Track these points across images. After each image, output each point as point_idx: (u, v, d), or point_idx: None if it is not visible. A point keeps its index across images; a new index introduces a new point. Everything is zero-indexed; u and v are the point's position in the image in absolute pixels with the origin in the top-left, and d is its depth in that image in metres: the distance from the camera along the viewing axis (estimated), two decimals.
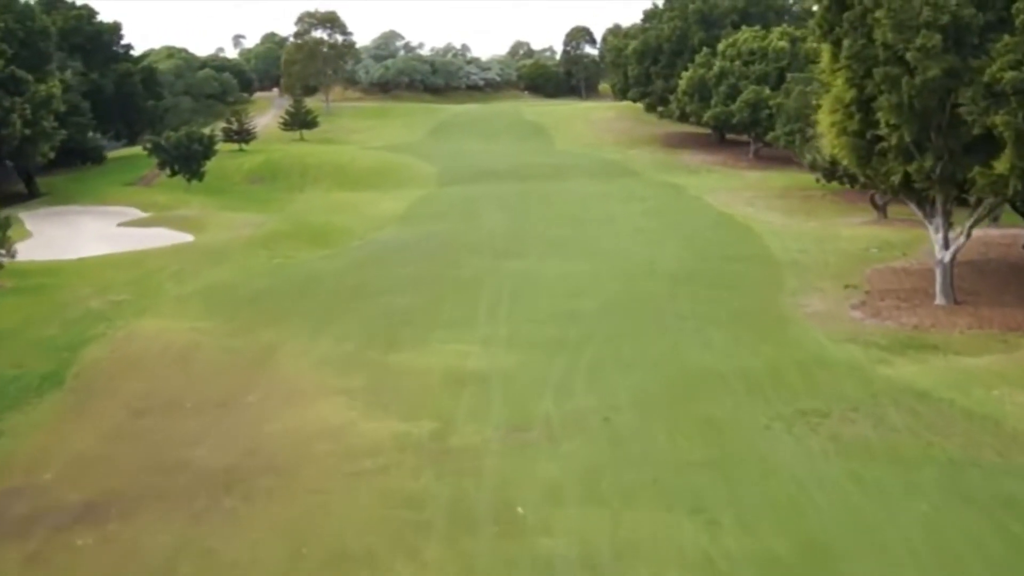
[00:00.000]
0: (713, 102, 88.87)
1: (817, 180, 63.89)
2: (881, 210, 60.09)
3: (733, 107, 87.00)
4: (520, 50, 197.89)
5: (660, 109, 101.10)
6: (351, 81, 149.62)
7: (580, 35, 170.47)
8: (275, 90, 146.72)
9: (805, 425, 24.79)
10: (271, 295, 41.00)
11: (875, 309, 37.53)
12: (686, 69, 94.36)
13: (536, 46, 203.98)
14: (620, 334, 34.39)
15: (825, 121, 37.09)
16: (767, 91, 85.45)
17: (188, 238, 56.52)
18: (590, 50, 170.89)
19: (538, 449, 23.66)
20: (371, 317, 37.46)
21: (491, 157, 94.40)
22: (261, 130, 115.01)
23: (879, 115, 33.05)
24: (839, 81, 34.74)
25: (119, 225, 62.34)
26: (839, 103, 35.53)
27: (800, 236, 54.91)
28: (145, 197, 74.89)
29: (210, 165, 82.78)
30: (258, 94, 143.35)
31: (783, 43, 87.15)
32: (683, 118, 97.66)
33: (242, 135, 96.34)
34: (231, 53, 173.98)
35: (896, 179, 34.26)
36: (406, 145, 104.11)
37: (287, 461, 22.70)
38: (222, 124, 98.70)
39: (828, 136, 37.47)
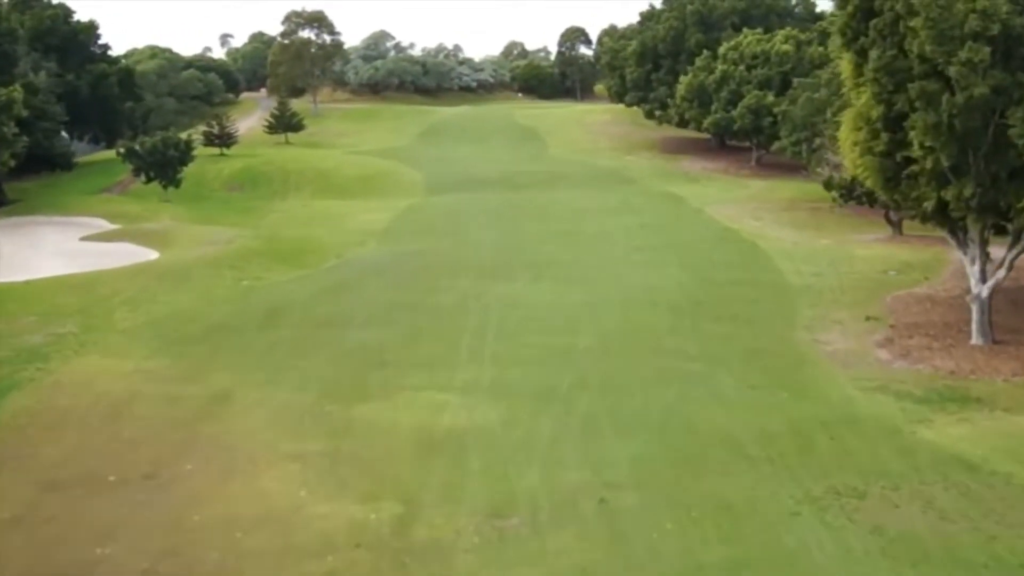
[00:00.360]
0: (714, 108, 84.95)
1: (834, 200, 59.66)
2: (896, 226, 56.17)
3: (735, 113, 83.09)
4: (514, 50, 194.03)
5: (659, 114, 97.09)
6: (340, 82, 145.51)
7: (575, 35, 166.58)
8: (263, 91, 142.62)
9: (840, 510, 20.80)
10: (231, 328, 36.91)
11: (904, 348, 33.56)
12: (685, 73, 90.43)
13: (530, 46, 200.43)
14: (618, 381, 30.38)
15: (847, 139, 33.08)
16: (770, 97, 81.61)
17: (152, 255, 52.38)
18: (585, 51, 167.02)
19: (521, 545, 19.65)
20: (339, 356, 33.41)
21: (481, 163, 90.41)
22: (246, 133, 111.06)
23: (911, 135, 29.03)
24: (864, 96, 30.74)
25: (82, 239, 58.18)
26: (863, 120, 31.56)
27: (812, 256, 50.97)
28: (116, 207, 70.73)
29: (189, 171, 78.87)
30: (245, 95, 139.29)
31: (787, 47, 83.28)
32: (682, 124, 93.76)
33: (223, 139, 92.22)
34: (218, 53, 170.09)
35: (929, 206, 30.30)
36: (394, 150, 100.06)
37: (214, 566, 18.63)
38: (203, 128, 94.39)
39: (849, 155, 33.45)
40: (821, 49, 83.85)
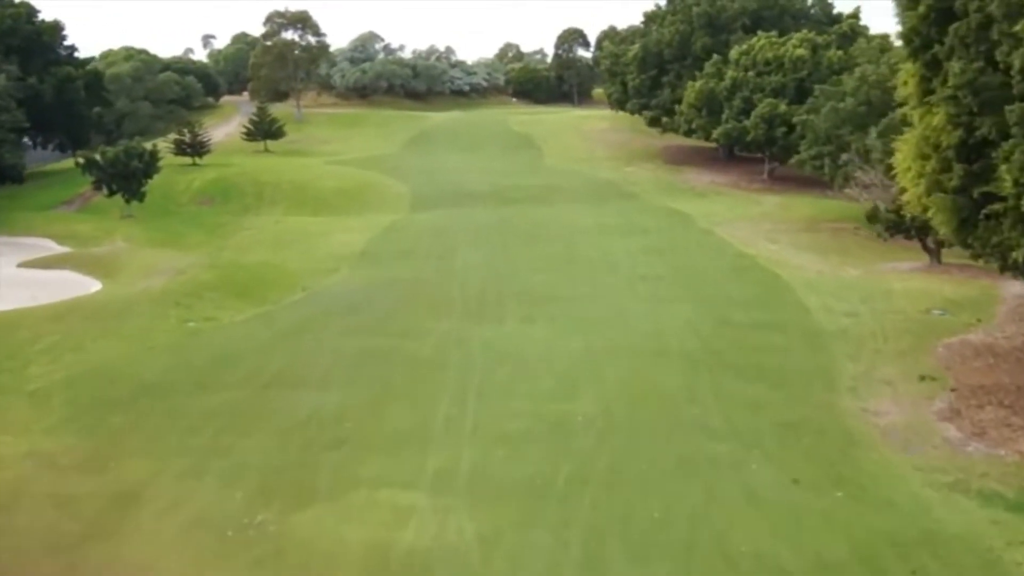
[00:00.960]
0: (724, 117, 78.97)
1: (879, 235, 53.54)
2: (934, 254, 50.16)
3: (747, 123, 77.17)
4: (509, 53, 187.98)
5: (664, 122, 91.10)
6: (326, 86, 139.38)
7: (573, 37, 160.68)
8: (245, 95, 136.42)
9: None
10: (162, 389, 30.77)
11: (976, 424, 27.52)
12: (692, 79, 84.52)
13: (526, 48, 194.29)
14: (628, 473, 24.33)
15: (907, 169, 27.08)
16: (784, 105, 75.76)
17: (94, 286, 46.30)
18: (583, 53, 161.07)
19: None
20: (287, 430, 27.32)
21: (472, 174, 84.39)
22: (224, 139, 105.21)
23: (1000, 169, 22.99)
24: (936, 118, 24.67)
25: (20, 266, 51.92)
26: (931, 147, 25.53)
27: (842, 290, 45.00)
28: (68, 225, 64.61)
29: (156, 182, 73.09)
30: (226, 99, 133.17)
31: (802, 51, 77.36)
32: (689, 133, 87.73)
33: (195, 148, 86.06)
34: (200, 54, 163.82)
35: (1019, 255, 24.23)
36: (379, 158, 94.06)
37: None
38: (173, 135, 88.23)
39: (912, 189, 27.40)
40: (840, 53, 78.18)
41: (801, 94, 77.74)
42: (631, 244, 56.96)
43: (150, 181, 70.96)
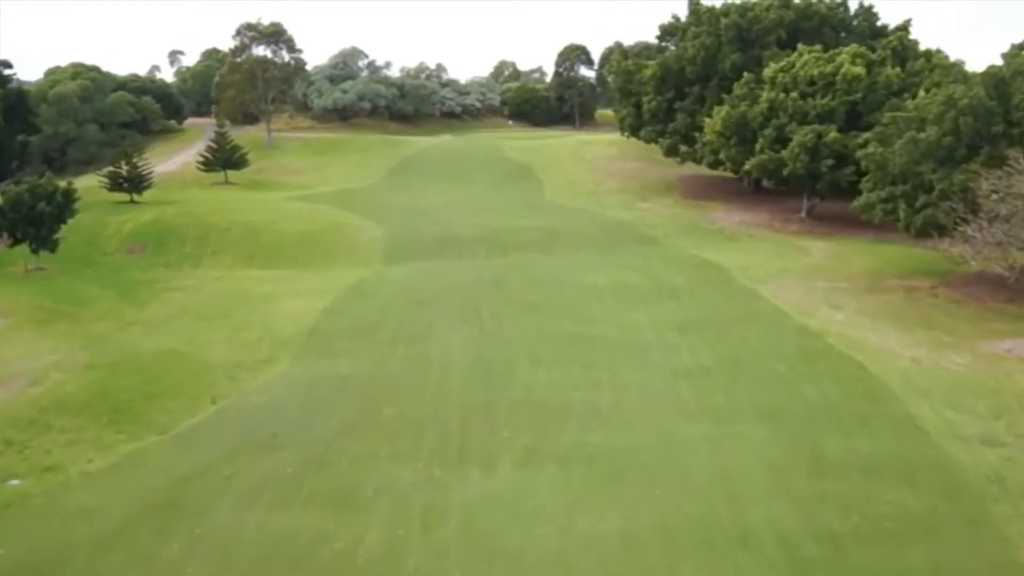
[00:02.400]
0: (758, 146, 66.20)
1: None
2: None
3: (785, 153, 64.45)
4: (505, 71, 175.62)
5: (683, 150, 78.36)
6: (303, 107, 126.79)
7: (575, 54, 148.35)
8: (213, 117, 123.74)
9: None
10: None
11: None
12: (719, 101, 71.90)
13: (523, 66, 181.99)
14: None
15: None
16: (833, 132, 63.12)
17: None
18: (586, 72, 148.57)
19: None
20: None
21: (460, 213, 71.54)
22: (179, 168, 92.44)
23: None
24: None
25: None
26: None
27: (958, 392, 32.70)
28: None
29: (84, 224, 60.77)
30: (192, 122, 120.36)
31: (858, 68, 64.62)
32: (715, 165, 75.02)
33: (133, 183, 73.06)
34: (167, 72, 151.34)
35: None
36: (354, 193, 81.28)
37: None
38: (108, 168, 75.25)
39: None
40: (898, 71, 65.69)
41: (854, 119, 65.26)
42: (660, 315, 44.07)
43: (67, 225, 58.18)
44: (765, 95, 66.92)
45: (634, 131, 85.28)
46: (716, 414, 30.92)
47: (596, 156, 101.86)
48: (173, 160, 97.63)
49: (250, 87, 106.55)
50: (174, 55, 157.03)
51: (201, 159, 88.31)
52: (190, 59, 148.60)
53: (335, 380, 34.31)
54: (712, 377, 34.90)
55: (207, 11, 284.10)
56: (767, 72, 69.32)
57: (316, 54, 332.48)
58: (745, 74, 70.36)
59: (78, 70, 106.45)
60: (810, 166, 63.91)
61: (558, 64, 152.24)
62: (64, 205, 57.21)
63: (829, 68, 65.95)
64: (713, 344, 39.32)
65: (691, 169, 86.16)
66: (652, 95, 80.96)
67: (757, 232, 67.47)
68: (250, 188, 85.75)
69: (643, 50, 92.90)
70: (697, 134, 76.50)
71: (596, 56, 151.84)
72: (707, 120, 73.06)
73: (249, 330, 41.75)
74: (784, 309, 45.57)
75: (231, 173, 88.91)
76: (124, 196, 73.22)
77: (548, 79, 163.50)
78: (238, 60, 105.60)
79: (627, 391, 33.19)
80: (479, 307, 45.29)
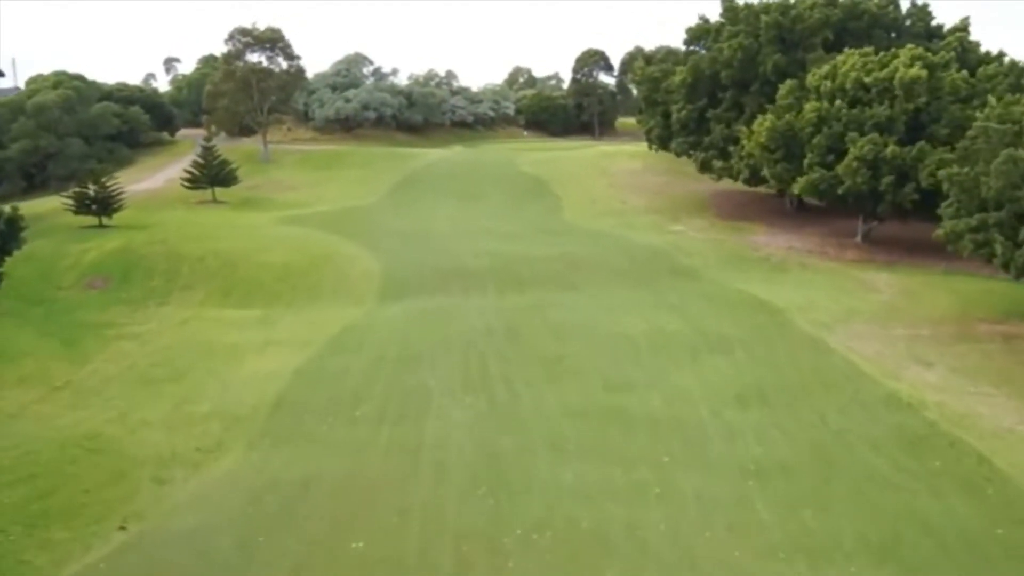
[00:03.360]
0: (807, 162, 57.63)
1: None
2: None
3: (840, 169, 55.89)
4: (519, 78, 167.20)
5: (717, 166, 69.85)
6: (304, 117, 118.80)
7: (593, 60, 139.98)
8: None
9: None
10: None
11: None
12: (762, 109, 63.44)
13: (539, 73, 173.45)
14: None
15: None
16: (892, 144, 54.60)
17: None
18: (605, 78, 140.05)
19: None
20: None
21: (468, 238, 63.29)
22: (163, 186, 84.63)
23: None
24: None
25: None
26: None
27: None
28: None
29: (42, 253, 53.22)
30: (186, 133, 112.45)
31: (918, 71, 55.94)
32: (757, 183, 66.51)
33: (101, 204, 65.06)
34: (163, 80, 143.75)
35: None
36: (352, 214, 73.14)
37: None
38: (74, 188, 67.26)
39: None
40: (965, 75, 57.13)
41: (915, 131, 56.69)
42: (713, 377, 35.61)
43: (17, 255, 50.36)
44: (812, 103, 58.31)
45: (662, 143, 76.77)
46: (809, 549, 22.42)
47: (619, 170, 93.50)
48: (158, 176, 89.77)
49: (244, 97, 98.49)
50: (170, 63, 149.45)
51: (186, 176, 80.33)
52: (187, 67, 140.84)
53: (294, 488, 25.90)
54: (793, 481, 26.39)
55: (204, 15, 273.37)
56: (812, 79, 60.74)
57: (318, 61, 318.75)
58: (788, 81, 61.73)
59: (60, 79, 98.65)
60: (870, 183, 55.32)
61: (576, 70, 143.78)
62: (8, 235, 49.19)
63: (884, 73, 57.27)
64: (784, 425, 30.80)
65: (724, 183, 77.64)
66: (682, 103, 72.51)
67: (809, 261, 58.87)
68: (239, 207, 77.69)
69: (667, 55, 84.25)
70: (733, 147, 68.01)
71: (616, 61, 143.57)
72: (744, 131, 64.56)
73: (199, 401, 33.45)
74: (863, 368, 37.06)
75: (220, 191, 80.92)
76: (93, 219, 65.25)
77: (565, 86, 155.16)
78: (231, 67, 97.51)
79: (683, 507, 24.68)
80: (487, 366, 36.88)
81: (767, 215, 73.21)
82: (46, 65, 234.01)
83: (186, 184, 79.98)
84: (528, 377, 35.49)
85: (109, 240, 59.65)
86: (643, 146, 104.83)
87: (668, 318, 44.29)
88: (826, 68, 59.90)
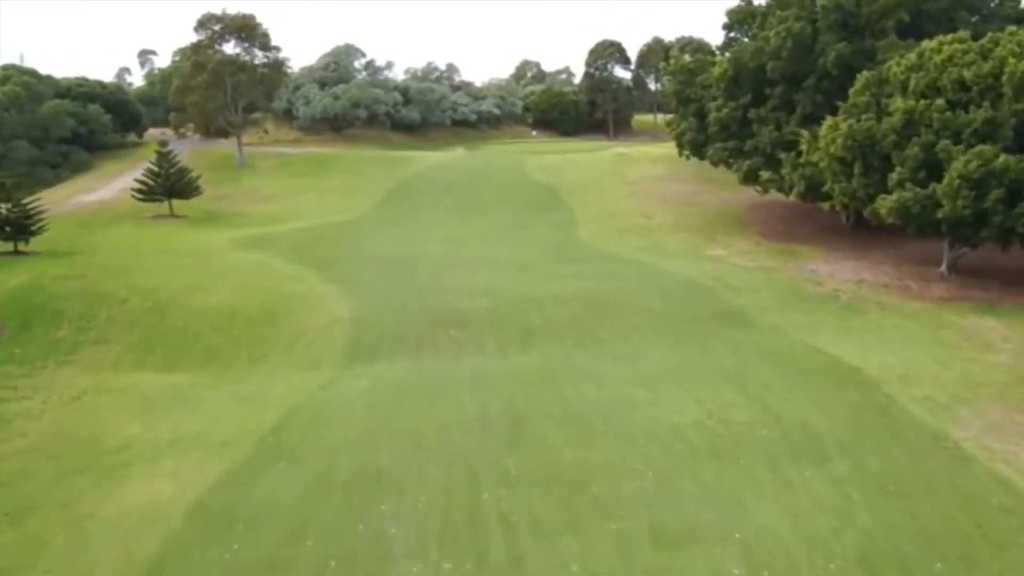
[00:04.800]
0: (895, 177, 45.74)
1: None
2: None
3: (938, 188, 44.03)
4: (527, 72, 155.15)
5: (764, 178, 58.03)
6: (288, 115, 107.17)
7: (608, 52, 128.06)
8: (186, 127, 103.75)
9: None
10: None
11: None
12: (817, 107, 51.70)
13: (548, 67, 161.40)
14: None
15: None
16: (1001, 155, 42.97)
17: None
18: (621, 72, 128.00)
19: None
20: None
21: (464, 270, 51.71)
22: (116, 197, 73.31)
23: None
24: None
25: None
26: None
27: None
28: None
29: None
30: (154, 133, 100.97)
31: None
32: (816, 199, 54.76)
33: (16, 227, 53.53)
34: (137, 75, 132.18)
35: None
36: (330, 232, 61.87)
37: None
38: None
39: None
40: None
41: (1022, 136, 44.87)
42: (814, 521, 23.88)
43: None
44: (900, 102, 46.41)
45: (697, 148, 64.79)
46: None
47: (640, 176, 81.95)
48: (114, 184, 78.46)
49: (217, 93, 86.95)
50: (145, 56, 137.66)
51: (138, 186, 68.94)
52: (164, 60, 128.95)
53: None
54: None
55: (184, 2, 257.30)
56: (895, 69, 48.83)
57: (306, 53, 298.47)
58: (864, 74, 49.78)
59: (8, 73, 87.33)
60: (975, 204, 43.50)
61: (589, 63, 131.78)
62: None
63: (988, 66, 45.36)
64: None
65: (758, 194, 65.80)
66: (721, 101, 60.68)
67: (888, 299, 46.98)
68: (198, 223, 66.33)
69: (693, 46, 72.42)
70: (784, 154, 56.24)
71: (632, 54, 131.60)
72: (804, 136, 52.75)
73: (31, 571, 21.75)
74: (1014, 481, 25.34)
75: (180, 203, 69.56)
76: (7, 245, 53.82)
77: (577, 80, 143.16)
78: (200, 59, 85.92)
79: None
80: (479, 495, 25.15)
81: (821, 234, 61.51)
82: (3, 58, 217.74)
83: (137, 195, 68.67)
84: (538, 517, 23.79)
85: (14, 274, 48.13)
86: (664, 147, 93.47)
87: (728, 395, 32.57)
88: (911, 57, 47.98)
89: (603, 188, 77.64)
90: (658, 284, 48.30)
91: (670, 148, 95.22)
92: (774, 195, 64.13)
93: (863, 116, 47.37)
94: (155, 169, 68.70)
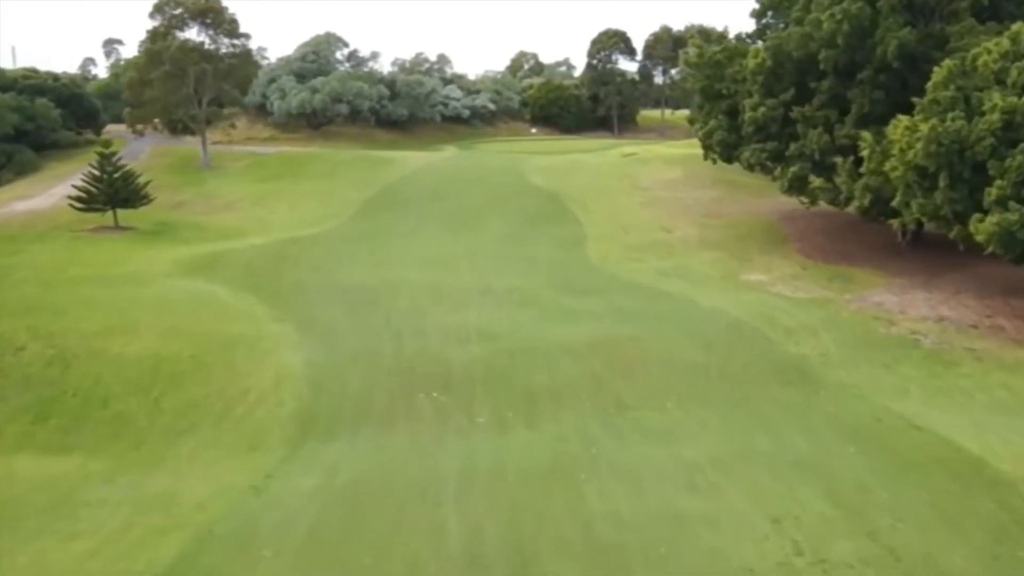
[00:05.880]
0: (992, 193, 36.35)
1: None
2: None
3: None
4: (524, 64, 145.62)
5: (815, 185, 48.63)
6: (262, 111, 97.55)
7: (612, 42, 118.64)
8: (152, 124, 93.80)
9: None
10: None
11: None
12: (894, 110, 42.36)
13: (547, 58, 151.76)
14: None
15: None
16: None
17: None
18: (626, 64, 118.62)
19: None
20: None
21: (452, 304, 42.31)
22: (54, 205, 63.91)
23: None
24: None
25: None
26: None
27: None
28: None
29: None
30: (112, 130, 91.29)
31: None
32: (881, 214, 45.42)
33: None
34: (102, 65, 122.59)
35: None
36: (295, 249, 52.59)
37: None
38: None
39: None
40: None
41: None
42: None
43: None
44: (997, 99, 37.02)
45: (727, 151, 55.32)
46: None
47: (654, 181, 72.56)
48: (55, 190, 68.88)
49: (178, 84, 77.36)
50: (111, 45, 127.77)
51: (76, 193, 59.49)
52: (131, 50, 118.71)
53: None
54: None
55: None
56: (984, 59, 39.46)
57: (285, 43, 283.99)
58: (947, 62, 40.32)
59: None
60: None
61: (591, 55, 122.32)
62: None
63: None
64: None
65: (792, 203, 56.51)
66: (758, 97, 51.27)
67: (980, 345, 37.67)
68: (144, 238, 57.00)
69: (715, 36, 62.93)
70: (840, 159, 46.92)
71: (640, 44, 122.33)
72: (867, 140, 43.40)
73: None
74: None
75: (130, 212, 60.24)
76: None
77: (578, 73, 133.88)
78: (157, 47, 76.29)
79: None
80: None
81: (874, 253, 52.24)
82: None
83: (76, 204, 59.20)
84: None
85: None
86: (677, 146, 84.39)
87: (814, 505, 23.48)
88: (1004, 43, 38.66)
89: (613, 195, 68.32)
90: (693, 326, 38.90)
91: (683, 147, 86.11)
92: (793, 200, 54.91)
93: (949, 115, 37.95)
94: (96, 173, 59.23)
